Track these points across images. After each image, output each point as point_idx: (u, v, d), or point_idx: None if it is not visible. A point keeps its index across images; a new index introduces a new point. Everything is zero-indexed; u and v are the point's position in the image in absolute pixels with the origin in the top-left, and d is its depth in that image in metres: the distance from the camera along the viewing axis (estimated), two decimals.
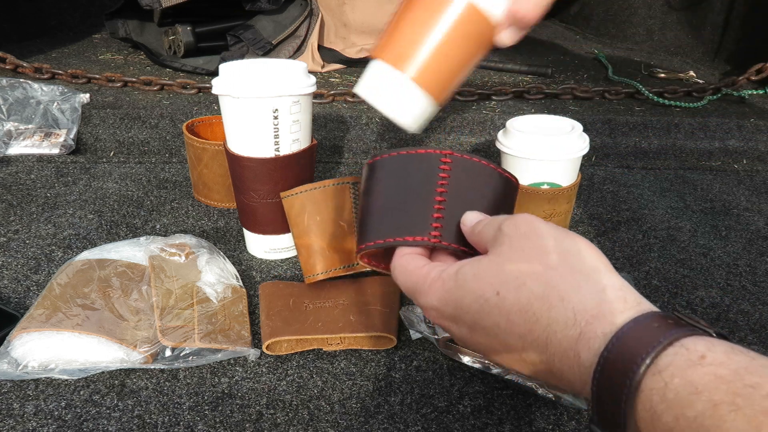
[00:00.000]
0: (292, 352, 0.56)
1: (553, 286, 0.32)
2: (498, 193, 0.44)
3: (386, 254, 0.47)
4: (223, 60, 1.22)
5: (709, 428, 0.25)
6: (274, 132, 0.63)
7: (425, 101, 0.50)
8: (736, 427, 0.24)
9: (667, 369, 0.27)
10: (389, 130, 1.04)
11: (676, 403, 0.26)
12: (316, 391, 0.52)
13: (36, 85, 0.98)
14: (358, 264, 0.61)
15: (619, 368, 0.28)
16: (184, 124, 0.83)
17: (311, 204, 0.62)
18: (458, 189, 0.43)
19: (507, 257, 0.35)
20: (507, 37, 0.49)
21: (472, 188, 0.43)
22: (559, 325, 0.31)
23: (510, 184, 0.46)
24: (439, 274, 0.39)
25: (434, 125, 1.06)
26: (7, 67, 1.14)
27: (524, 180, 0.67)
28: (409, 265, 0.41)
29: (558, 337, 0.31)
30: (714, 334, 0.29)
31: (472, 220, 0.41)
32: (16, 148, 0.94)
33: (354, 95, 1.14)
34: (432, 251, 0.44)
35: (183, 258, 0.63)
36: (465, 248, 0.42)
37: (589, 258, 0.34)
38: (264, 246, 0.70)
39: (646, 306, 0.31)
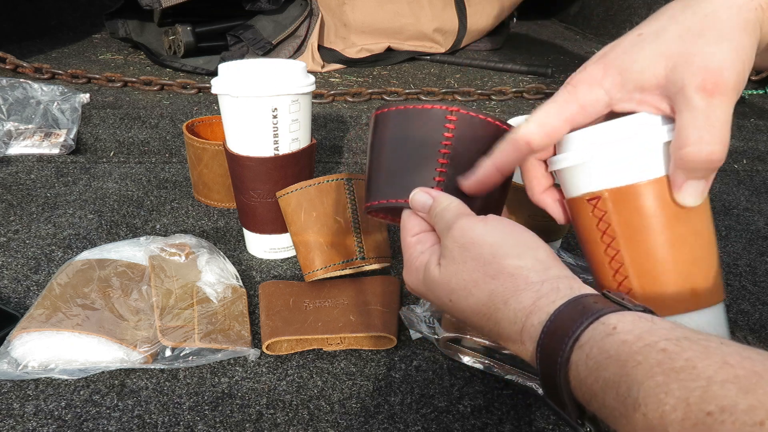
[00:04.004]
0: (292, 352, 0.56)
1: (496, 293, 0.37)
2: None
3: (394, 209, 0.48)
4: (223, 60, 1.22)
5: (619, 383, 0.29)
6: (274, 131, 0.63)
7: (715, 312, 0.40)
8: (636, 378, 0.28)
9: (587, 343, 0.32)
10: None
11: (595, 368, 0.31)
12: (316, 391, 0.52)
13: (36, 85, 0.98)
14: (357, 259, 0.61)
15: (552, 349, 0.33)
16: (184, 124, 0.83)
17: (307, 201, 0.62)
18: (461, 149, 0.43)
19: (452, 271, 0.39)
20: (690, 194, 0.37)
21: (474, 146, 0.44)
22: (505, 323, 0.36)
23: None
24: (416, 257, 0.43)
25: None
26: (7, 67, 1.14)
27: None
28: (408, 222, 0.44)
29: (506, 331, 0.37)
30: (632, 309, 0.33)
31: (424, 205, 0.43)
32: (16, 148, 0.94)
33: (354, 95, 1.14)
34: None
35: (183, 258, 0.63)
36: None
37: (527, 259, 0.37)
38: (264, 246, 0.70)
39: (578, 291, 0.35)
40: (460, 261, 0.39)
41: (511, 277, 0.37)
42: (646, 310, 0.33)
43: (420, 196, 0.43)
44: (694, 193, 0.37)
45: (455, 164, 0.43)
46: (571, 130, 0.40)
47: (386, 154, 0.45)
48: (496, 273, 0.37)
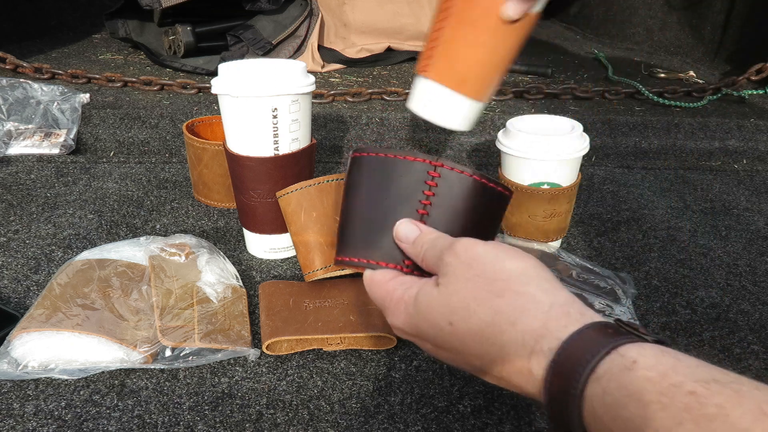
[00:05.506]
0: (292, 352, 0.56)
1: (501, 312, 0.35)
2: (485, 209, 0.42)
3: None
4: (223, 60, 1.22)
5: (640, 426, 0.27)
6: (274, 131, 0.63)
7: (468, 105, 0.53)
8: (663, 424, 0.26)
9: (604, 376, 0.30)
10: (389, 130, 1.04)
11: (613, 405, 0.29)
12: (316, 391, 0.52)
13: (36, 85, 0.98)
14: None
15: (564, 379, 0.31)
16: (184, 124, 0.83)
17: (307, 201, 0.62)
18: (441, 210, 0.41)
19: (454, 288, 0.37)
20: (512, 9, 0.48)
21: (456, 207, 0.41)
22: (512, 347, 0.34)
23: (500, 198, 0.43)
24: (401, 296, 0.40)
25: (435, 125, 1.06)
26: (7, 67, 1.14)
27: (524, 180, 0.67)
28: (376, 276, 0.43)
29: (511, 357, 0.34)
30: (650, 340, 0.32)
31: (408, 235, 0.41)
32: (16, 148, 0.94)
33: (354, 95, 1.14)
34: None
35: (183, 258, 0.63)
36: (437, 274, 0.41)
37: (532, 277, 0.36)
38: (264, 246, 0.70)
39: (589, 317, 0.34)
40: (462, 278, 0.37)
41: (517, 294, 0.35)
42: (659, 341, 0.32)
43: (406, 227, 0.41)
44: (514, 7, 0.48)
45: (433, 225, 0.41)
46: None
47: (361, 206, 0.43)
48: (501, 290, 0.35)
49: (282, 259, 0.71)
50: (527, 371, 0.34)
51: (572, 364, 0.31)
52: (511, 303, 0.35)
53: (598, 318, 0.34)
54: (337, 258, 0.45)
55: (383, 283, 0.42)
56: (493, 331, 0.35)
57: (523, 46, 0.53)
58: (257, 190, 0.66)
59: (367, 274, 0.43)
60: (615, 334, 0.32)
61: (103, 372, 0.53)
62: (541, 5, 0.50)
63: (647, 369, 0.29)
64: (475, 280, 0.36)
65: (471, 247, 0.38)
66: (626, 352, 0.30)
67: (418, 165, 0.41)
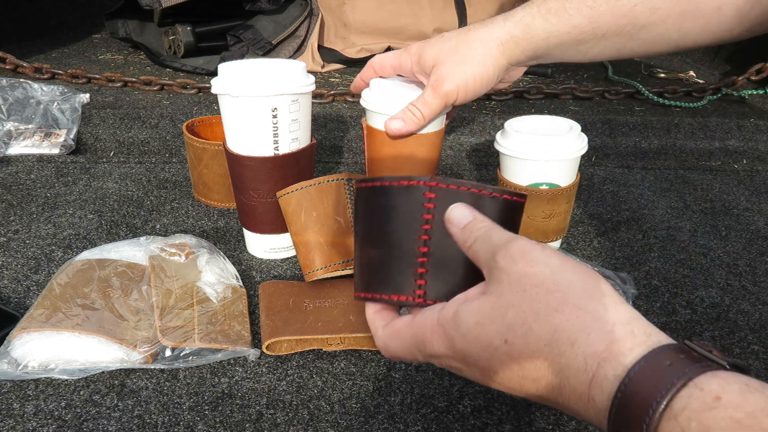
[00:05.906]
0: (292, 352, 0.56)
1: (560, 330, 0.31)
2: (495, 221, 0.39)
3: None
4: (223, 60, 1.22)
5: None
6: (273, 131, 0.63)
7: None
8: None
9: (682, 413, 0.27)
10: None
11: None
12: (316, 391, 0.52)
13: (36, 85, 0.98)
14: None
15: (633, 412, 0.28)
16: (184, 124, 0.83)
17: (307, 201, 0.62)
18: (444, 231, 0.39)
19: (508, 301, 0.33)
20: (392, 127, 0.64)
21: None
22: (571, 371, 0.31)
23: (506, 206, 0.40)
24: (435, 320, 0.36)
25: None
26: (7, 67, 1.14)
27: (523, 180, 0.67)
28: (397, 326, 0.39)
29: (571, 382, 0.31)
30: (727, 366, 0.29)
31: (461, 220, 0.37)
32: (16, 148, 0.94)
33: (354, 95, 1.14)
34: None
35: (183, 258, 0.63)
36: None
37: (592, 291, 0.33)
38: (264, 246, 0.70)
39: (656, 338, 0.31)
40: (518, 288, 0.33)
41: (577, 310, 0.31)
42: (736, 366, 0.29)
43: (460, 211, 0.37)
44: (391, 125, 0.63)
45: (438, 249, 0.39)
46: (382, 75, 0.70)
47: (365, 239, 0.41)
48: (560, 305, 0.32)
49: (282, 259, 0.71)
50: (588, 398, 0.30)
51: (643, 396, 0.28)
52: (571, 320, 0.31)
53: (665, 339, 0.31)
54: (356, 294, 0.43)
55: (406, 326, 0.38)
56: (551, 351, 0.32)
57: (432, 156, 0.69)
58: (257, 190, 0.66)
59: (382, 333, 0.40)
60: (688, 359, 0.29)
61: (103, 372, 0.53)
62: (434, 127, 0.65)
63: (734, 409, 0.26)
64: (531, 291, 0.32)
65: (528, 250, 0.34)
66: (706, 385, 0.27)
67: (413, 188, 0.38)
